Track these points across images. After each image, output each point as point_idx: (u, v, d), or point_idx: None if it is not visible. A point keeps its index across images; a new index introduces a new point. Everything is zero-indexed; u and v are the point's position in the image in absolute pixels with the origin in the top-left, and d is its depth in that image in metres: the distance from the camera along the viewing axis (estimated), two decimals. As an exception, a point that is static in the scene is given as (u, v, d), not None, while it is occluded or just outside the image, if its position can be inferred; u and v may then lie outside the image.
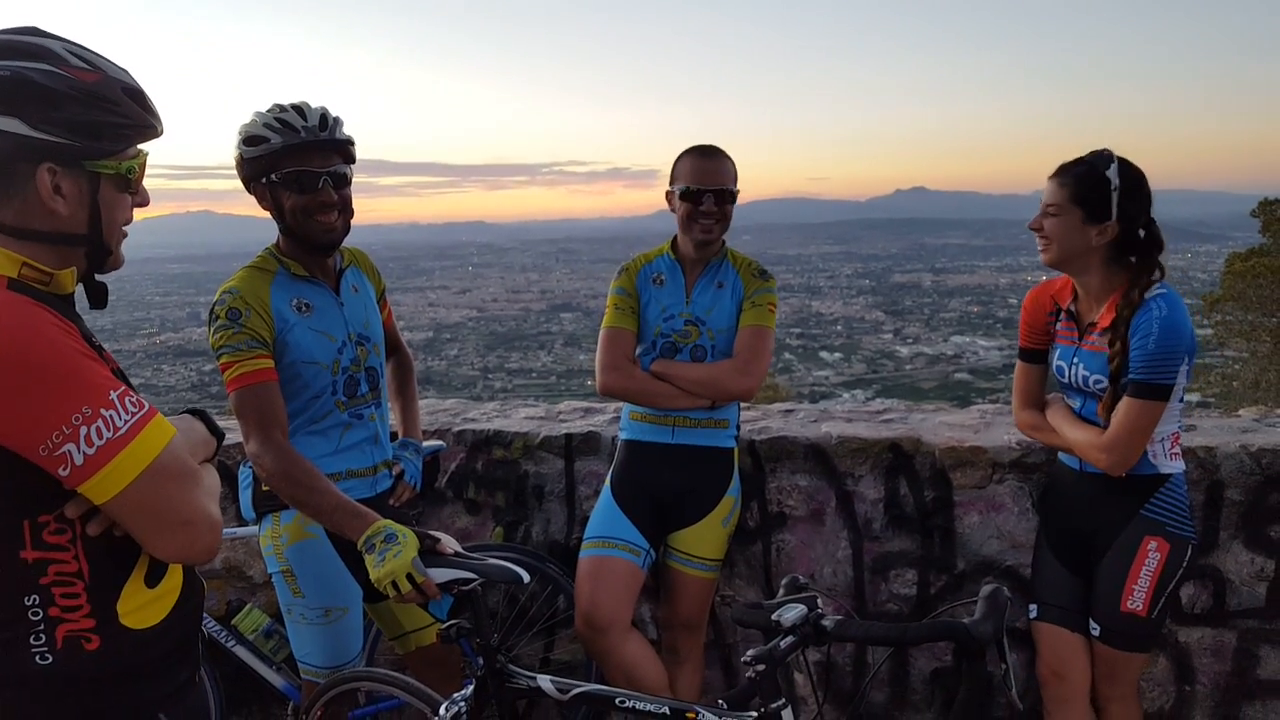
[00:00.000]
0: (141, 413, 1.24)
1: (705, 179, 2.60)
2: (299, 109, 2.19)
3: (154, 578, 1.34)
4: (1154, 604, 2.31)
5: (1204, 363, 20.30)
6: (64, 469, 1.17)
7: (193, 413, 1.51)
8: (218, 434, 1.50)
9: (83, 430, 1.17)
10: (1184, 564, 2.34)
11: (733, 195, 2.63)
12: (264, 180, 2.20)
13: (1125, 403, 2.22)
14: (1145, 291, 2.24)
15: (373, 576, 1.91)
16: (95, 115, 1.29)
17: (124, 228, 1.40)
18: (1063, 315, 2.46)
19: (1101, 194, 2.25)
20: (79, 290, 1.39)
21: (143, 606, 1.31)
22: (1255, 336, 18.84)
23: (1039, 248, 2.36)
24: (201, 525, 1.27)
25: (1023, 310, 2.57)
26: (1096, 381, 2.32)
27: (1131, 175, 2.26)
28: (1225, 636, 2.69)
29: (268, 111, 2.19)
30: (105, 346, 1.38)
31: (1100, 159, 2.27)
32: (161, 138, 1.42)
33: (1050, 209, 2.30)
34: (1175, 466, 2.34)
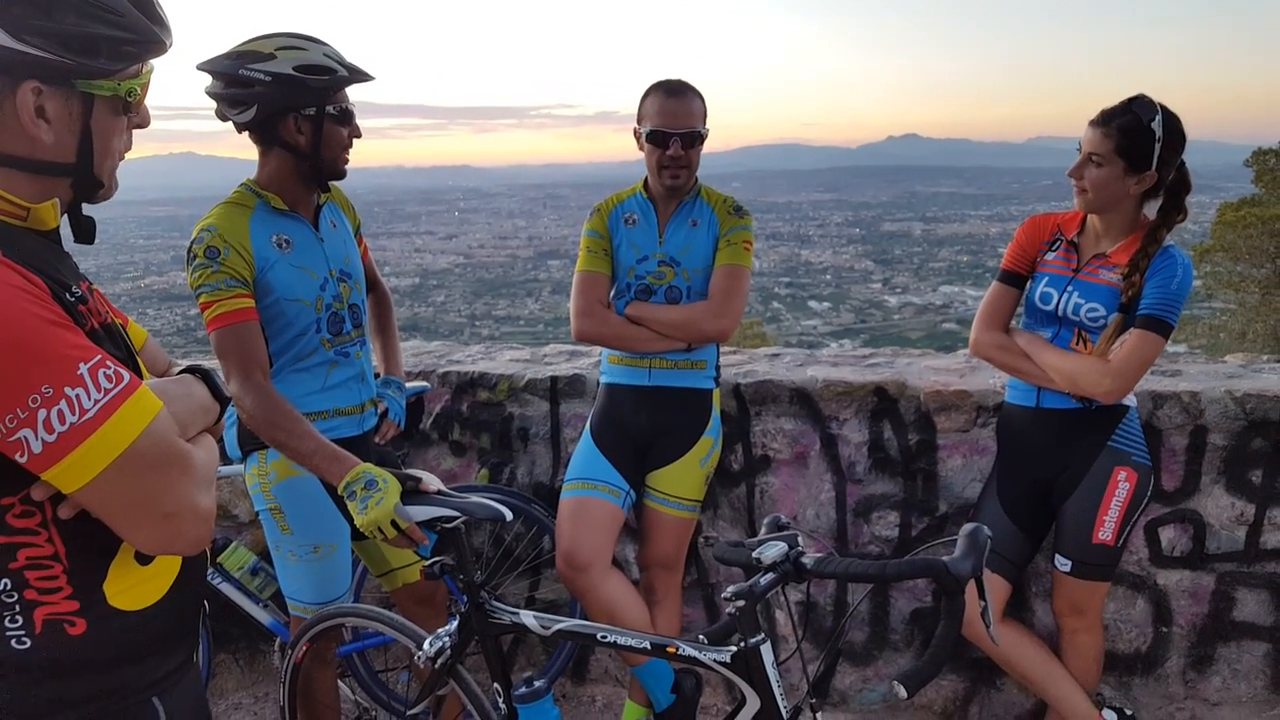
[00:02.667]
0: (118, 388, 1.06)
1: (672, 120, 2.52)
2: (320, 41, 2.15)
3: (146, 555, 1.19)
4: (1121, 533, 2.42)
5: (1191, 314, 20.43)
6: (20, 455, 1.01)
7: (193, 371, 1.33)
8: (221, 398, 1.32)
9: (41, 414, 1.00)
10: (1149, 492, 2.43)
11: (701, 137, 2.55)
12: (311, 111, 2.15)
13: (1139, 334, 2.28)
14: (1169, 232, 2.31)
15: (358, 523, 1.90)
16: (93, 27, 1.10)
17: (120, 155, 1.22)
18: (1061, 245, 2.47)
19: (1146, 146, 2.27)
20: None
21: (134, 587, 1.18)
22: (1244, 287, 18.93)
23: (1075, 193, 2.38)
24: (185, 518, 1.11)
25: (1019, 234, 2.57)
26: (1091, 311, 2.36)
27: (1174, 127, 2.29)
28: (1203, 579, 2.73)
29: (287, 39, 2.12)
30: (95, 288, 1.24)
31: (1144, 109, 2.28)
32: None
33: (1094, 159, 2.32)
34: (1131, 400, 2.46)
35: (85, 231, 1.25)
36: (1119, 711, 2.58)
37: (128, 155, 1.26)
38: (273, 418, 2.06)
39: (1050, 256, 2.49)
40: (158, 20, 1.19)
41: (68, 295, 1.12)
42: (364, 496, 1.89)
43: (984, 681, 2.95)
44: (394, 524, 1.87)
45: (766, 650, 1.60)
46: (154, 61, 1.22)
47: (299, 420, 2.07)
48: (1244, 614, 2.71)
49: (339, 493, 1.96)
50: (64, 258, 1.21)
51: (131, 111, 1.20)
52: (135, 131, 1.26)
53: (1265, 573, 2.68)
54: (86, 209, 1.25)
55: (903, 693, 1.39)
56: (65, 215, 1.21)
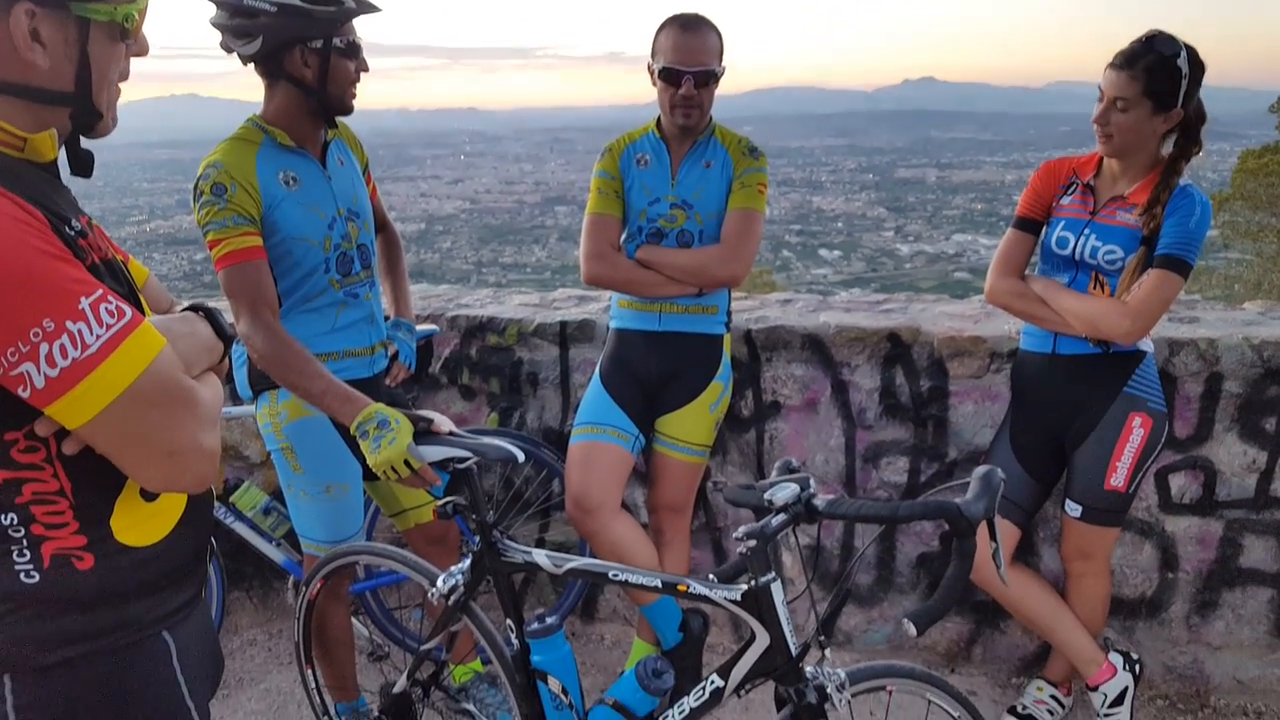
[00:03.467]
0: (121, 323, 1.04)
1: (685, 58, 2.45)
2: None
3: (152, 492, 1.19)
4: (1133, 479, 2.42)
5: (1206, 265, 20.20)
6: (23, 390, 1.00)
7: (196, 309, 1.30)
8: (225, 336, 1.30)
9: (43, 348, 0.98)
10: (1162, 438, 2.42)
11: (715, 76, 2.49)
12: (317, 43, 2.10)
13: (1158, 274, 2.25)
14: (1187, 164, 2.28)
15: (370, 463, 1.91)
16: None
17: (118, 85, 1.19)
18: (1077, 189, 2.44)
19: (1173, 84, 2.22)
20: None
21: (141, 522, 1.18)
22: (1262, 237, 18.69)
23: (1099, 138, 2.33)
24: (190, 456, 1.11)
25: (1034, 179, 2.53)
26: (1109, 254, 2.33)
27: (1196, 60, 2.24)
28: (1212, 526, 2.73)
29: None
30: (95, 224, 1.22)
31: (1167, 45, 2.22)
32: None
33: (1119, 103, 2.26)
34: (1148, 345, 2.44)
35: (83, 164, 1.22)
36: (1125, 655, 2.61)
37: (128, 97, 1.22)
38: (283, 357, 2.06)
39: (1066, 201, 2.46)
40: None
41: (67, 229, 1.10)
42: (376, 436, 1.89)
43: (988, 624, 2.98)
44: (407, 464, 1.88)
45: (777, 589, 1.61)
46: None
47: (310, 360, 2.06)
48: (1251, 560, 2.72)
49: (351, 433, 1.96)
50: (63, 191, 1.19)
51: (129, 39, 1.17)
52: (136, 71, 1.23)
53: (1274, 520, 2.68)
54: (85, 143, 1.21)
55: (912, 630, 1.40)
56: (63, 148, 1.19)
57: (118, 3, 1.13)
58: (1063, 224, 2.43)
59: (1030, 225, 2.52)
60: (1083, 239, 2.38)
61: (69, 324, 1.00)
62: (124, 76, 1.21)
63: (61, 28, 1.09)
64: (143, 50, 1.22)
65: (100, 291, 1.05)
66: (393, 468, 1.88)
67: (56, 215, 1.10)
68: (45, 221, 1.06)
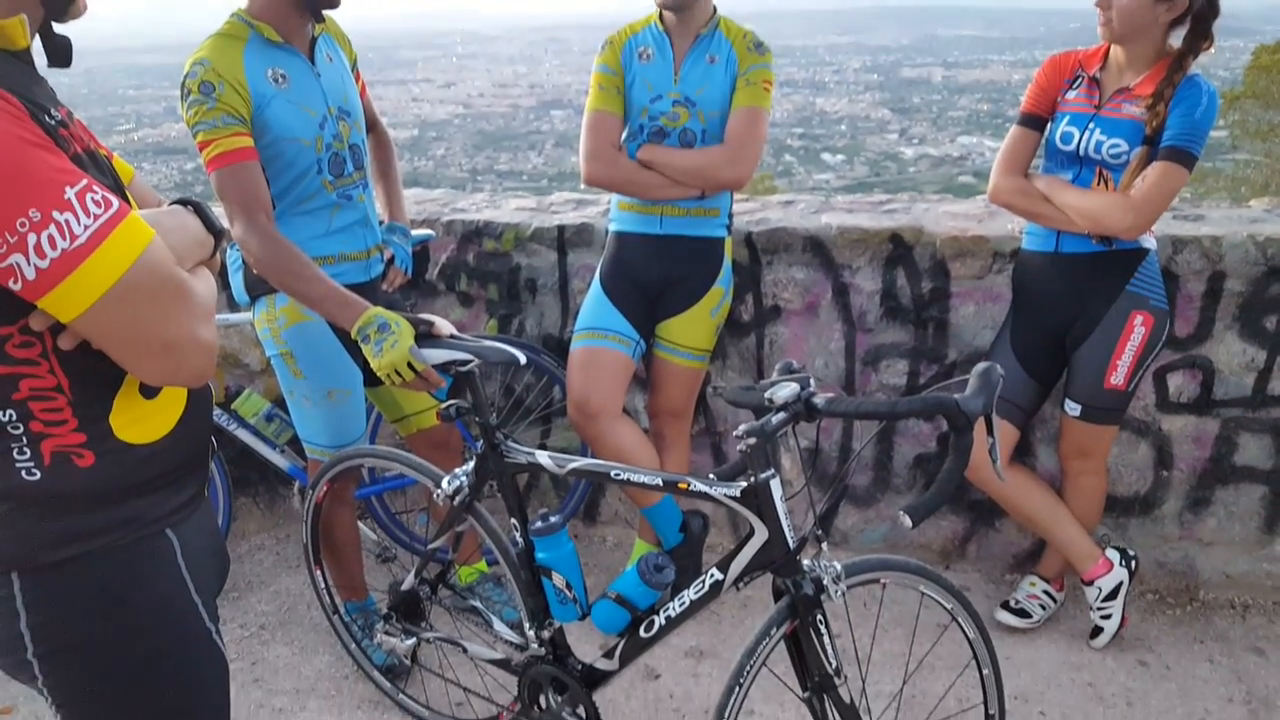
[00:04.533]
0: (108, 214, 1.01)
1: None
2: None
3: (151, 389, 1.19)
4: (1133, 377, 2.43)
5: (1214, 166, 19.86)
6: (14, 282, 0.99)
7: (184, 204, 1.28)
8: (215, 229, 1.27)
9: (31, 239, 0.96)
10: (1163, 337, 2.43)
11: None
12: None
13: (1162, 166, 2.22)
14: (1195, 60, 2.23)
15: (374, 367, 1.92)
16: None
17: None
18: (1082, 82, 2.39)
19: None
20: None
21: (140, 420, 1.18)
22: (1272, 136, 18.31)
23: (1099, 23, 2.28)
24: (186, 349, 1.09)
25: (1039, 75, 2.48)
26: (1113, 147, 2.30)
27: None
28: (1208, 425, 2.75)
29: None
30: (75, 115, 1.19)
31: None
32: None
33: None
34: (1151, 242, 2.41)
35: (60, 52, 1.17)
36: (1122, 551, 2.67)
37: (112, 1, 1.16)
38: (280, 261, 2.04)
39: (1071, 95, 2.41)
40: None
41: (47, 118, 1.07)
42: (378, 340, 1.89)
43: (983, 522, 3.04)
44: (410, 366, 1.88)
45: (775, 485, 1.63)
46: None
47: (307, 264, 2.04)
48: (1245, 458, 2.75)
49: (352, 337, 1.96)
50: (39, 81, 1.15)
51: None
52: None
53: (1270, 418, 2.70)
54: (58, 28, 1.16)
55: (908, 522, 1.43)
56: (37, 38, 1.14)
57: None
58: (1067, 119, 2.39)
59: (1035, 121, 2.47)
60: (1088, 133, 2.34)
61: (55, 214, 0.98)
62: None
63: None
64: None
65: (85, 181, 1.02)
66: (396, 371, 1.89)
67: (35, 104, 1.06)
68: (23, 108, 1.03)
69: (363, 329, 1.93)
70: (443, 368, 1.94)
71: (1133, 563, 2.65)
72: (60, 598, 1.15)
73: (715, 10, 2.54)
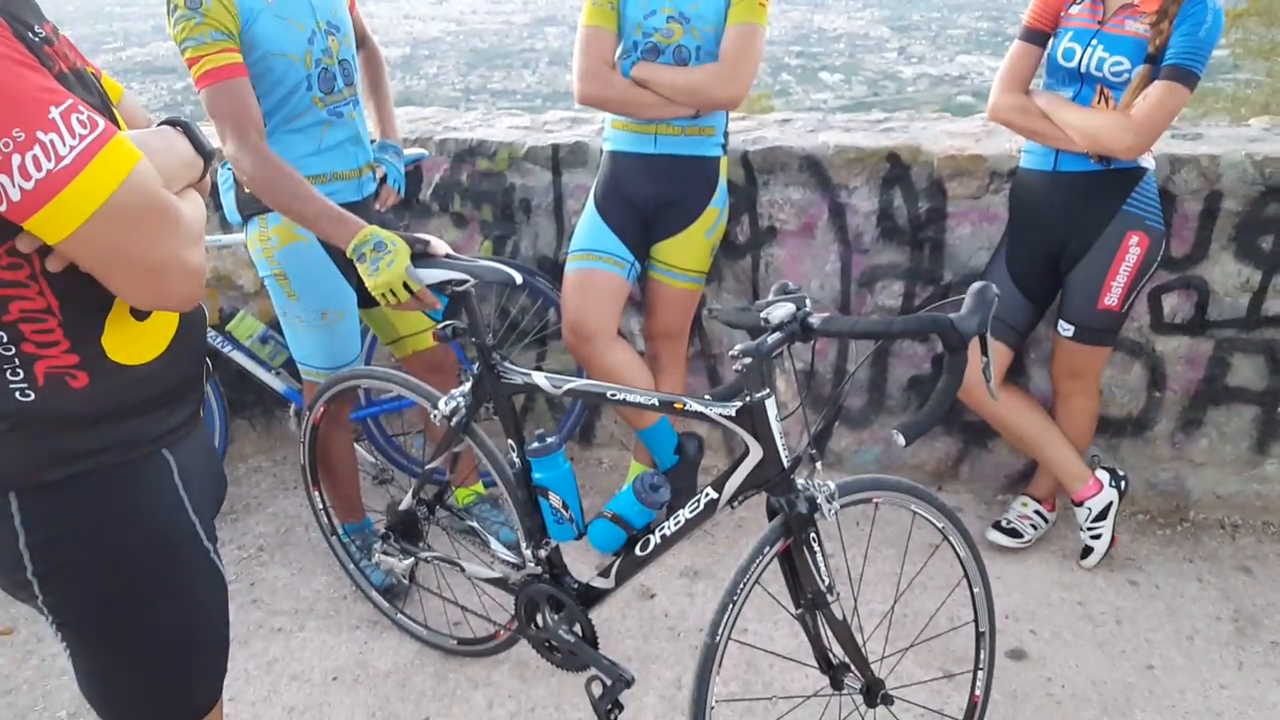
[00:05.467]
0: (95, 134, 1.00)
1: None
2: None
3: (141, 311, 1.18)
4: (1127, 298, 2.43)
5: (1214, 86, 19.51)
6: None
7: (173, 124, 1.25)
8: (204, 151, 1.25)
9: (15, 159, 0.95)
10: (1158, 258, 2.42)
11: None
12: None
13: (1163, 85, 2.19)
14: None
15: (369, 286, 1.91)
16: None
17: None
18: None
19: None
20: None
21: (132, 341, 1.18)
22: (1274, 55, 17.97)
23: None
24: (174, 273, 1.09)
25: None
26: (1115, 65, 2.27)
27: None
28: (1201, 345, 2.76)
29: None
30: (61, 31, 1.16)
31: None
32: None
33: None
34: (1149, 162, 2.39)
35: None
36: (1111, 471, 2.70)
37: None
38: (273, 179, 2.01)
39: (1075, 10, 2.36)
40: None
41: (30, 34, 1.05)
42: (374, 259, 1.89)
43: (975, 443, 3.07)
44: (406, 286, 1.88)
45: (770, 404, 1.64)
46: None
47: (301, 182, 2.02)
48: (1238, 379, 2.76)
49: (348, 255, 1.95)
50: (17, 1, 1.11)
51: None
52: None
53: (1264, 339, 2.70)
54: None
55: (901, 440, 1.44)
56: None
57: None
58: (1070, 34, 2.35)
59: (1037, 36, 2.42)
60: (1090, 50, 2.30)
61: (40, 134, 0.96)
62: None
63: None
64: None
65: (70, 100, 1.01)
66: (391, 291, 1.88)
67: (17, 20, 1.04)
68: (5, 25, 1.00)
69: (358, 247, 1.92)
70: (438, 288, 1.94)
71: (1123, 483, 2.69)
72: (58, 517, 1.16)
73: None
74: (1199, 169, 2.56)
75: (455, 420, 2.08)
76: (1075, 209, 2.41)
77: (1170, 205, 2.59)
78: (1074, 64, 2.33)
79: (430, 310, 1.97)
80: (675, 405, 1.71)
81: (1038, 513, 2.83)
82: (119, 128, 1.16)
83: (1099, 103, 2.32)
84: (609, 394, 1.82)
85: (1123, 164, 2.34)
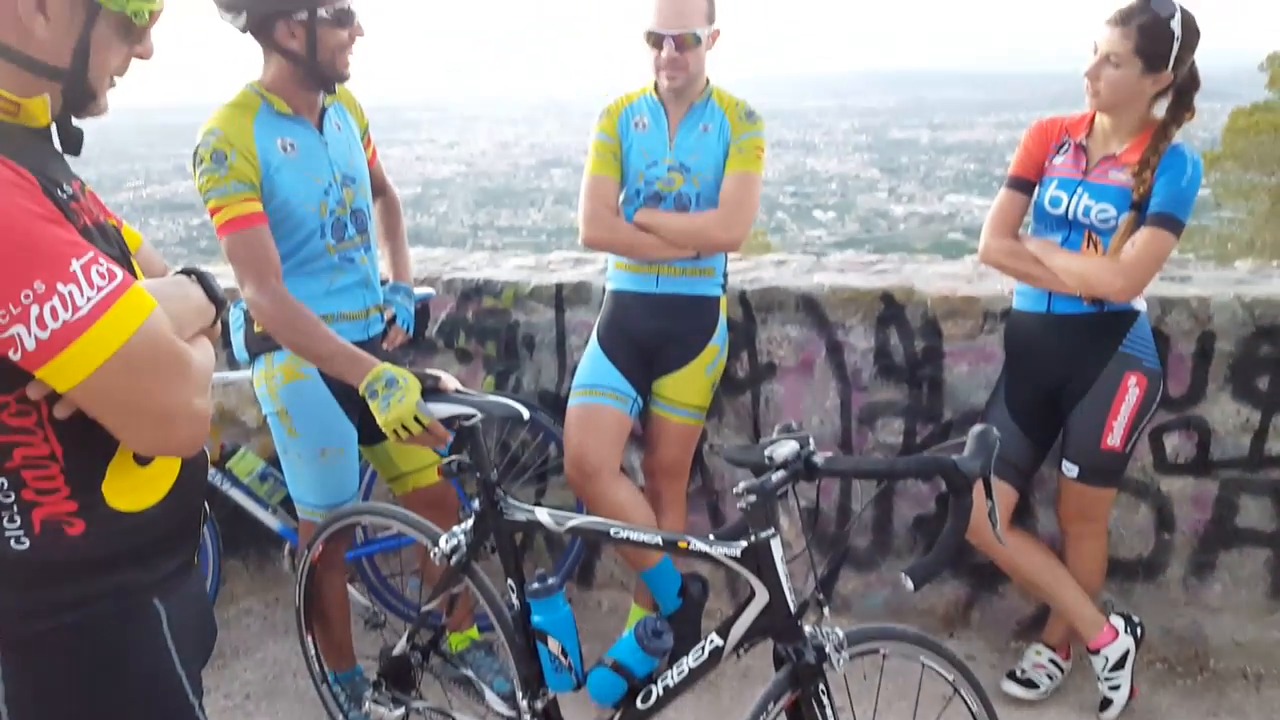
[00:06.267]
0: (112, 285, 1.03)
1: (666, 20, 2.42)
2: None
3: (145, 456, 1.19)
4: (1129, 439, 2.43)
5: (1199, 224, 20.13)
6: (14, 353, 1.00)
7: (188, 273, 1.29)
8: (217, 300, 1.28)
9: (34, 310, 0.98)
10: (1158, 397, 2.44)
11: (698, 38, 2.44)
12: (302, 15, 2.07)
13: (1149, 232, 2.26)
14: (1178, 129, 2.30)
15: (380, 422, 1.94)
16: None
17: (115, 78, 1.20)
18: (1069, 148, 2.45)
19: (1164, 46, 2.23)
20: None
21: (133, 488, 1.18)
22: (1253, 195, 18.63)
23: (1087, 92, 2.35)
24: (181, 420, 1.10)
25: (1026, 138, 2.54)
26: (1101, 212, 2.35)
27: (1190, 25, 2.24)
28: (1207, 486, 2.74)
29: None
30: (88, 188, 1.22)
31: (1164, 6, 2.22)
32: None
33: (1112, 59, 2.27)
34: (1141, 304, 2.45)
35: (72, 141, 1.21)
36: (1126, 618, 2.62)
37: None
38: (292, 320, 2.09)
39: (1059, 160, 2.46)
40: None
41: (59, 192, 1.10)
42: (386, 395, 1.93)
43: (985, 587, 3.00)
44: (417, 420, 1.91)
45: (776, 545, 1.62)
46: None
47: (317, 322, 2.10)
48: (1247, 521, 2.73)
49: (360, 393, 1.98)
50: (55, 156, 1.19)
51: (133, 35, 1.18)
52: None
53: (1269, 479, 2.68)
54: (76, 121, 1.21)
55: (909, 584, 1.41)
56: (54, 125, 1.18)
57: None
58: (1056, 183, 2.44)
59: (1023, 185, 2.51)
60: (1076, 198, 2.39)
61: (60, 286, 1.00)
62: (121, 73, 1.21)
63: (71, 6, 1.10)
64: (146, 53, 1.22)
65: (91, 254, 1.05)
66: (403, 425, 1.90)
67: (48, 179, 1.10)
68: (36, 184, 1.06)
69: (371, 384, 1.97)
70: (446, 422, 1.95)
71: (1138, 630, 2.61)
72: (40, 670, 1.13)
73: (708, 81, 2.59)
74: (1190, 310, 2.61)
75: (455, 559, 2.05)
76: (1072, 349, 2.44)
77: (1164, 346, 2.62)
78: (1061, 211, 2.42)
79: (440, 445, 1.98)
80: (679, 545, 1.69)
81: (1052, 661, 2.73)
82: (136, 277, 1.20)
83: (1088, 248, 2.39)
84: (612, 532, 1.80)
85: (1116, 306, 2.39)
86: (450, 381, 1.99)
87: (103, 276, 1.03)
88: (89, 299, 1.01)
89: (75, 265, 1.02)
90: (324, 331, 2.09)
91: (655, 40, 2.44)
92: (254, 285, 2.09)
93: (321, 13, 2.09)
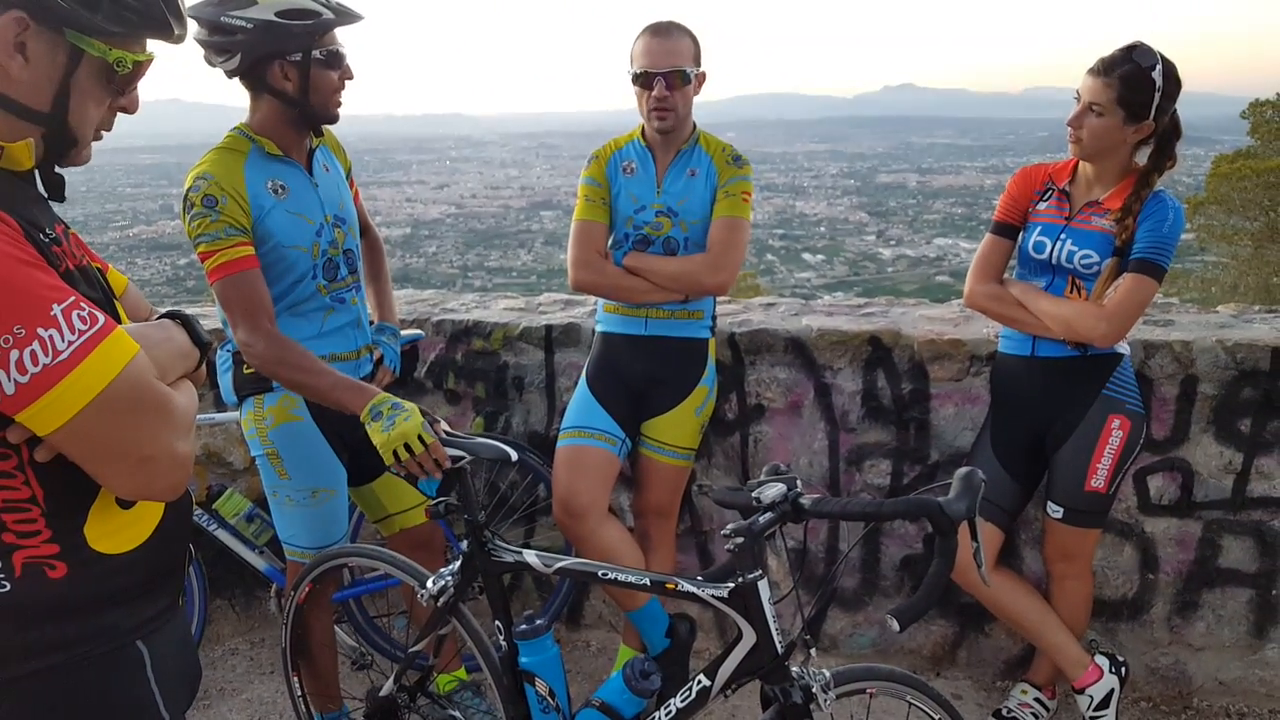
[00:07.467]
0: (93, 330, 1.03)
1: (656, 60, 2.48)
2: None
3: (127, 499, 1.18)
4: (1113, 481, 2.46)
5: (1183, 268, 20.41)
6: None
7: (173, 316, 1.30)
8: (201, 343, 1.28)
9: (13, 355, 0.98)
10: (1141, 440, 2.48)
11: (687, 77, 2.50)
12: (296, 57, 2.11)
13: (1132, 278, 2.31)
14: (1160, 177, 2.35)
15: (379, 441, 1.95)
16: None
17: (98, 129, 1.20)
18: (1052, 194, 2.49)
19: (1146, 95, 2.28)
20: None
21: (115, 531, 1.17)
22: (1236, 240, 18.93)
23: (1069, 140, 2.40)
24: (163, 464, 1.10)
25: (1010, 185, 2.59)
26: (1084, 258, 2.39)
27: (1172, 75, 2.30)
28: (1190, 527, 2.77)
29: None
30: (71, 231, 1.22)
31: (1145, 57, 2.28)
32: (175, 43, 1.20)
33: (1094, 108, 2.32)
34: (1125, 348, 2.49)
35: (55, 187, 1.21)
36: (1111, 657, 2.63)
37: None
38: (287, 359, 2.10)
39: (1042, 206, 2.51)
40: (174, 9, 1.18)
41: (41, 236, 1.11)
42: (390, 415, 1.96)
43: (972, 627, 3.00)
44: (420, 439, 1.92)
45: (763, 586, 1.63)
46: (156, 50, 1.21)
47: (313, 358, 2.12)
48: (1229, 561, 2.76)
49: (363, 418, 2.00)
50: (38, 200, 1.19)
51: (116, 84, 1.17)
52: None
53: (1251, 520, 2.71)
54: (58, 168, 1.21)
55: (895, 625, 1.42)
56: (37, 170, 1.18)
57: (113, 43, 1.13)
58: (1039, 229, 2.48)
59: (1008, 230, 2.56)
60: (1059, 243, 2.43)
61: (40, 330, 1.00)
62: (105, 126, 1.21)
63: (52, 49, 1.10)
64: (131, 106, 1.22)
65: (73, 298, 1.05)
66: (405, 445, 1.91)
67: (30, 223, 1.10)
68: (18, 228, 1.06)
69: (375, 408, 1.99)
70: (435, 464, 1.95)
71: (1123, 669, 2.62)
72: (23, 714, 1.12)
73: (695, 127, 2.65)
74: (1173, 354, 2.65)
75: (443, 600, 2.04)
76: (1056, 392, 2.48)
77: (1147, 389, 2.66)
78: (1045, 256, 2.46)
79: (438, 471, 1.98)
80: (667, 585, 1.70)
81: (1038, 700, 2.74)
82: (120, 321, 1.20)
83: (1071, 292, 2.44)
84: (600, 573, 1.80)
85: (1099, 350, 2.42)
86: (439, 423, 2.01)
87: (84, 321, 1.04)
88: (70, 343, 1.01)
89: (56, 310, 1.02)
90: (321, 366, 2.10)
91: (645, 80, 2.49)
92: (247, 329, 2.10)
93: (316, 54, 2.13)
